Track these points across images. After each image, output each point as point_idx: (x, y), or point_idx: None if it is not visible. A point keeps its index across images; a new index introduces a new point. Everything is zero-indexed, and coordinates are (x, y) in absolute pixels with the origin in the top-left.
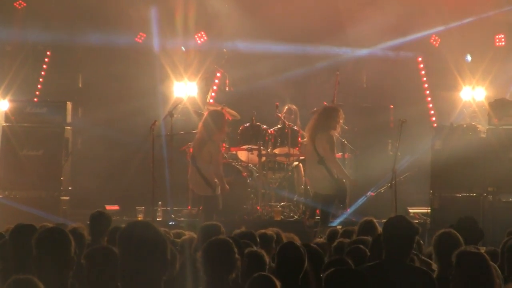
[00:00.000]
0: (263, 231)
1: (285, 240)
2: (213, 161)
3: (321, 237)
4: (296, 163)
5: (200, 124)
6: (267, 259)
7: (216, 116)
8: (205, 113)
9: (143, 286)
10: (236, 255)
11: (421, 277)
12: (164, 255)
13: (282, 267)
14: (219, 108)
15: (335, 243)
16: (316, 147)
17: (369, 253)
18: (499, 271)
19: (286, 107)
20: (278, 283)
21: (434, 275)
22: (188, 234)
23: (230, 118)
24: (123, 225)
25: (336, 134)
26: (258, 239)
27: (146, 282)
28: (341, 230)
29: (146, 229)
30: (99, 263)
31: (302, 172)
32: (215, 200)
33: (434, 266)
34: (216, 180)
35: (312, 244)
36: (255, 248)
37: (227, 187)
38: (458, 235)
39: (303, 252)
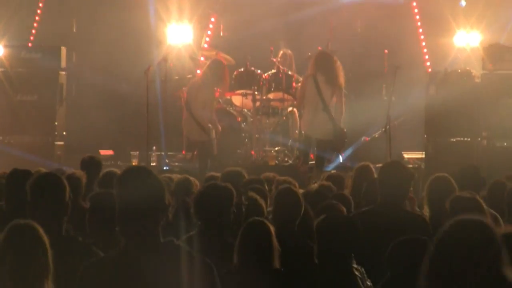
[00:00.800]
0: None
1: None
2: (207, 107)
3: (315, 182)
4: (291, 109)
5: (200, 71)
6: (264, 205)
7: (216, 67)
8: (202, 61)
9: (141, 232)
10: (230, 201)
11: (416, 222)
12: (162, 200)
13: (279, 212)
14: (213, 53)
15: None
16: (324, 96)
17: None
18: (499, 217)
19: (281, 52)
20: (272, 228)
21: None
22: (178, 176)
23: (225, 63)
24: (112, 169)
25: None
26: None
27: (144, 227)
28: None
29: (143, 174)
30: (103, 207)
31: (297, 117)
32: (210, 145)
33: (426, 210)
34: (210, 125)
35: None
36: (252, 194)
37: (219, 128)
38: (451, 180)
39: (301, 197)
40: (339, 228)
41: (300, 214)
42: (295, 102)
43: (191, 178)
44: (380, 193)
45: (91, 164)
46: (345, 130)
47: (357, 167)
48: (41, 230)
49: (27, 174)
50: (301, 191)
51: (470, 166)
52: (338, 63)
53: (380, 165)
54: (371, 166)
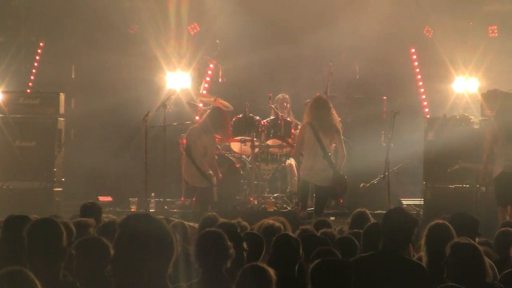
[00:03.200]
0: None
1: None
2: (208, 153)
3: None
4: (289, 161)
5: (198, 117)
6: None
7: (217, 115)
8: (200, 107)
9: (147, 278)
10: (228, 244)
11: (414, 270)
12: (170, 250)
13: (277, 258)
14: (212, 99)
15: (319, 233)
16: (323, 143)
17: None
18: (492, 263)
19: (280, 96)
20: (272, 273)
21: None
22: (176, 220)
23: (224, 109)
24: (105, 217)
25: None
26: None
27: (152, 273)
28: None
29: (149, 222)
30: (89, 254)
31: (295, 169)
32: (211, 192)
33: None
34: (210, 171)
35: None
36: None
37: (220, 175)
38: (450, 227)
39: (299, 243)
40: (334, 273)
41: (298, 259)
42: (290, 151)
43: (188, 224)
44: (383, 239)
45: (92, 209)
46: (346, 177)
47: (354, 213)
48: (33, 276)
49: (24, 220)
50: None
51: (463, 213)
52: (333, 108)
53: (378, 211)
54: (368, 212)
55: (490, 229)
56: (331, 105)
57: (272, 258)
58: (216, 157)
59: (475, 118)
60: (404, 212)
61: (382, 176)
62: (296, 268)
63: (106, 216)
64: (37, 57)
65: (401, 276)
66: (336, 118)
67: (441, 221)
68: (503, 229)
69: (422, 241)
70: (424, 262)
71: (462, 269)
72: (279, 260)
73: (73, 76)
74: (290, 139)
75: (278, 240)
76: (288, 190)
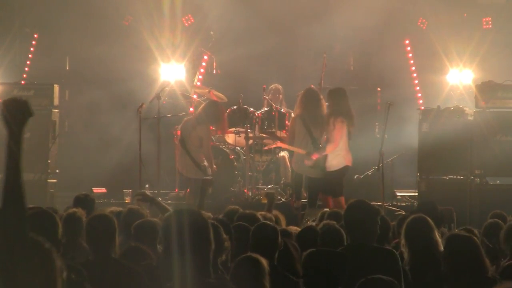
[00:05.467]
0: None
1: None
2: (204, 145)
3: (308, 220)
4: (282, 154)
5: (192, 109)
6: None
7: (212, 109)
8: (195, 98)
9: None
10: (223, 236)
11: (385, 257)
12: (208, 242)
13: (256, 248)
14: (206, 90)
15: (320, 225)
16: (314, 135)
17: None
18: None
19: (273, 87)
20: (265, 263)
21: (406, 262)
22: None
23: (218, 101)
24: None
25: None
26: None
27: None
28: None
29: (195, 217)
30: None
31: (287, 161)
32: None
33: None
34: (205, 163)
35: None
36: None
37: (215, 167)
38: (428, 219)
39: (277, 231)
40: (326, 263)
41: (276, 248)
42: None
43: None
44: (348, 233)
45: (85, 202)
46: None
47: (349, 204)
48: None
49: None
50: (294, 228)
51: (428, 202)
52: (323, 100)
53: (373, 203)
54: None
55: (484, 221)
56: (321, 97)
57: (251, 248)
58: (210, 148)
59: (469, 109)
60: (363, 204)
61: (376, 167)
62: (276, 257)
63: (111, 210)
64: (32, 49)
65: (373, 265)
66: (325, 109)
67: (418, 215)
68: (491, 220)
69: (402, 237)
70: (406, 258)
71: (458, 262)
72: (258, 250)
73: (67, 68)
74: (284, 131)
75: (255, 229)
76: (282, 182)
